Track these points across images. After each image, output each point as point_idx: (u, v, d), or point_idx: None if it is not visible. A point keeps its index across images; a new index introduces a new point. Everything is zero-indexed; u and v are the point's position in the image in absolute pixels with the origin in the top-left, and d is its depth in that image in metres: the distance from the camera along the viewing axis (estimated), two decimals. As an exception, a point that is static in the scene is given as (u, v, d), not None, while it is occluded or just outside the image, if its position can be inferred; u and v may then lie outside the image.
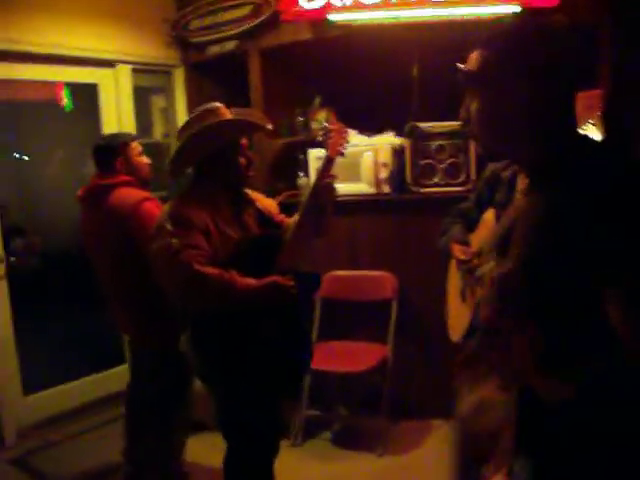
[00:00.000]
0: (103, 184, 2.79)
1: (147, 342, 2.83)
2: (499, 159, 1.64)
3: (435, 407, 3.79)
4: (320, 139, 2.52)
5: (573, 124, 1.24)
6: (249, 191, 2.52)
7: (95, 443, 3.76)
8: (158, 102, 4.85)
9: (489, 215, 2.36)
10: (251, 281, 2.22)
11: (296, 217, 2.46)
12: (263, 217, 2.48)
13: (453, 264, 2.64)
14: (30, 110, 4.40)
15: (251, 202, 2.48)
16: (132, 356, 3.03)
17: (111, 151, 2.83)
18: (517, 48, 1.20)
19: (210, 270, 2.15)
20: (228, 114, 2.37)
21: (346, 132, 2.52)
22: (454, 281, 2.66)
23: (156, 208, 2.70)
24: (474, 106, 1.26)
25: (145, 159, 2.90)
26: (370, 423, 3.79)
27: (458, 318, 2.53)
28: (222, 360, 2.29)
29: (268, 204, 2.61)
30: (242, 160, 2.36)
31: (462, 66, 1.28)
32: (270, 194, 4.05)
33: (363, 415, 3.91)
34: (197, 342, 2.34)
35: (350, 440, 3.78)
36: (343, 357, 3.66)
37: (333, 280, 3.94)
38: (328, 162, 2.46)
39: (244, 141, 2.39)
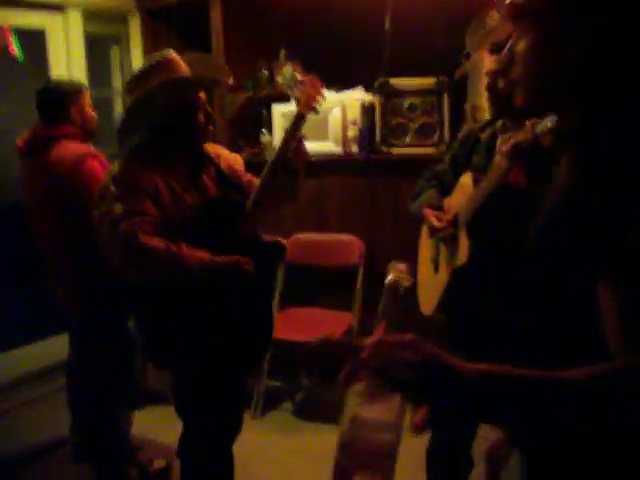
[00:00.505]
0: (46, 135, 2.58)
1: (81, 307, 2.64)
2: (541, 114, 1.46)
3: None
4: (290, 93, 2.27)
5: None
6: (211, 147, 2.28)
7: (44, 414, 3.54)
8: (114, 52, 4.54)
9: (466, 179, 2.18)
10: (202, 254, 2.01)
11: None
12: (224, 178, 2.25)
13: (425, 231, 2.45)
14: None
15: (211, 161, 2.24)
16: (68, 322, 2.82)
17: (60, 98, 2.61)
18: None
19: (156, 242, 1.95)
20: (183, 66, 2.11)
21: (320, 85, 2.27)
22: (425, 249, 2.48)
23: (100, 166, 2.53)
24: (522, 45, 1.04)
25: (93, 112, 2.68)
26: (333, 393, 3.65)
27: (430, 289, 2.36)
28: (169, 339, 2.10)
29: (233, 160, 2.38)
30: (200, 116, 2.13)
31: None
32: (231, 151, 3.86)
33: (326, 385, 3.77)
34: (140, 318, 2.16)
35: (312, 411, 3.64)
36: (306, 326, 3.49)
37: (298, 243, 3.75)
38: (299, 119, 2.21)
39: (202, 95, 2.15)
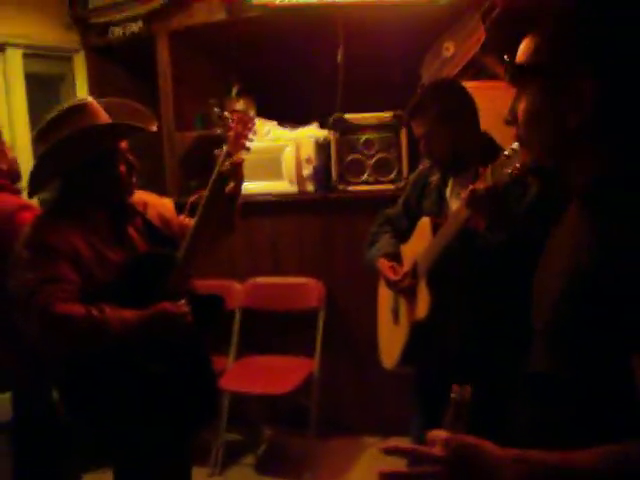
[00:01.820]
0: None
1: (23, 375, 2.43)
2: (549, 175, 1.39)
3: (367, 423, 3.54)
4: (219, 131, 2.08)
5: None
6: (137, 194, 2.08)
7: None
8: (58, 91, 4.36)
9: (424, 225, 2.07)
10: (128, 314, 1.83)
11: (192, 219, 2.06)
12: (152, 229, 2.07)
13: (383, 281, 2.31)
14: None
15: (137, 212, 2.06)
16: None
17: None
18: (582, 25, 0.96)
19: (74, 309, 1.77)
20: (102, 113, 1.94)
21: (251, 122, 2.04)
22: (384, 298, 2.34)
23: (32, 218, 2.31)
24: (521, 106, 1.04)
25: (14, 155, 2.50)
26: (298, 443, 3.46)
27: (390, 342, 2.22)
28: (98, 411, 1.91)
29: (162, 207, 2.19)
30: (121, 168, 1.94)
31: (510, 57, 1.05)
32: (181, 193, 3.70)
33: (290, 435, 3.58)
34: (64, 390, 1.97)
35: (276, 464, 3.44)
36: (266, 376, 3.31)
37: (254, 288, 3.59)
38: (227, 158, 1.98)
39: (123, 144, 1.97)
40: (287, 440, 3.63)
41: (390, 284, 2.12)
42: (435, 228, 1.97)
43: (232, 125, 1.99)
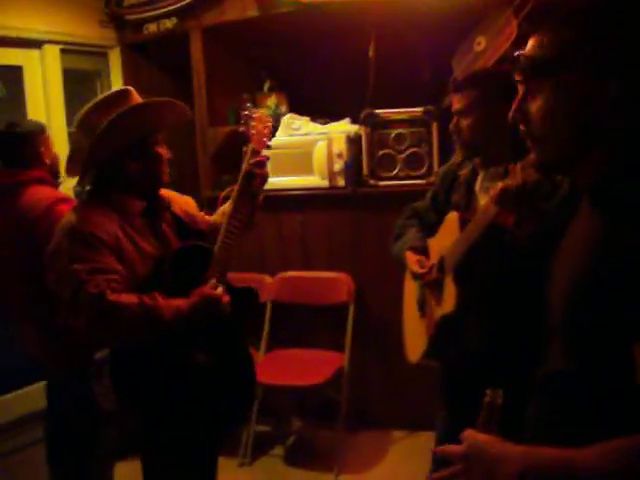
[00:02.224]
0: (16, 180, 2.43)
1: (55, 367, 2.48)
2: (561, 173, 1.40)
3: (396, 417, 3.57)
4: (242, 129, 2.14)
5: None
6: (162, 192, 2.12)
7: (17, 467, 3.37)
8: (94, 87, 4.44)
9: (452, 219, 2.06)
10: (180, 302, 1.84)
11: (221, 216, 2.14)
12: (181, 223, 2.11)
13: (409, 273, 2.32)
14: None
15: (167, 207, 2.09)
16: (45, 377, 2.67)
17: (28, 140, 2.46)
18: (604, 23, 0.95)
19: (128, 298, 1.76)
20: (140, 99, 1.99)
21: (269, 121, 2.12)
22: (410, 291, 2.35)
23: None
24: (538, 103, 1.02)
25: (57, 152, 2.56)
26: (326, 436, 3.49)
27: (415, 335, 2.23)
28: (148, 403, 1.92)
29: (185, 204, 2.23)
30: (160, 152, 1.98)
31: (522, 52, 1.03)
32: (214, 188, 3.74)
33: (318, 428, 3.62)
34: (116, 383, 1.93)
35: (304, 456, 3.48)
36: (296, 368, 3.34)
37: (284, 281, 3.62)
38: (254, 155, 2.05)
39: (160, 135, 2.00)
40: (316, 433, 3.66)
41: (416, 276, 2.13)
42: (463, 223, 1.97)
43: (254, 123, 2.06)
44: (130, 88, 1.98)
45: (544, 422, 1.09)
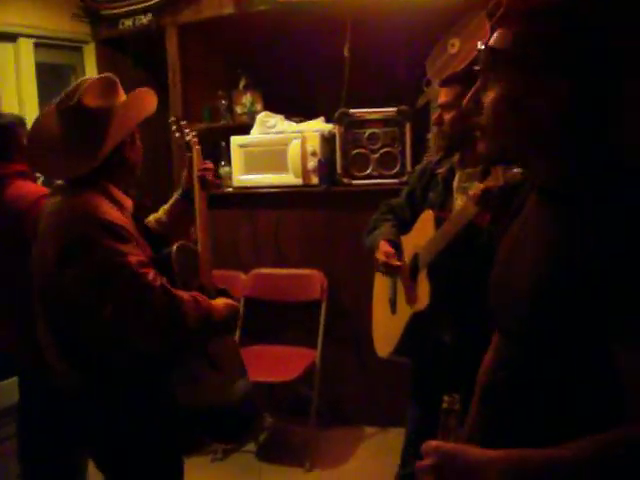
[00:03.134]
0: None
1: (24, 362, 2.48)
2: (507, 163, 1.43)
3: (368, 414, 3.61)
4: (177, 135, 2.20)
5: (615, 134, 1.00)
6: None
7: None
8: (68, 81, 4.41)
9: (427, 218, 2.10)
10: (219, 304, 1.78)
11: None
12: (144, 225, 2.03)
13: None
14: None
15: (145, 208, 2.09)
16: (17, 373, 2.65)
17: (9, 133, 2.41)
18: (560, 20, 0.94)
19: (180, 293, 1.65)
20: (122, 93, 1.83)
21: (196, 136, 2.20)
22: (381, 287, 2.38)
23: None
24: (491, 95, 1.01)
25: None
26: (298, 432, 3.52)
27: (387, 331, 2.26)
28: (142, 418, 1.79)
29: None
30: (140, 149, 1.88)
31: (486, 43, 1.02)
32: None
33: (291, 423, 3.64)
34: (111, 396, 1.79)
35: (276, 452, 3.50)
36: (268, 364, 3.36)
37: (258, 278, 3.64)
38: (200, 159, 2.15)
39: (137, 133, 1.88)
40: (288, 428, 3.69)
41: (382, 265, 2.16)
42: (438, 222, 2.00)
43: (188, 131, 2.16)
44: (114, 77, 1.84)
45: (497, 426, 1.08)
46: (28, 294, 2.29)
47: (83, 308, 1.68)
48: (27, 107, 3.79)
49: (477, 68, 1.04)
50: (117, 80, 1.82)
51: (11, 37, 3.77)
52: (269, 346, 3.57)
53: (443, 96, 2.09)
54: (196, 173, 2.07)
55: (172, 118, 2.18)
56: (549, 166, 1.01)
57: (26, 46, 3.83)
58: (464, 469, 0.88)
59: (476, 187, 1.77)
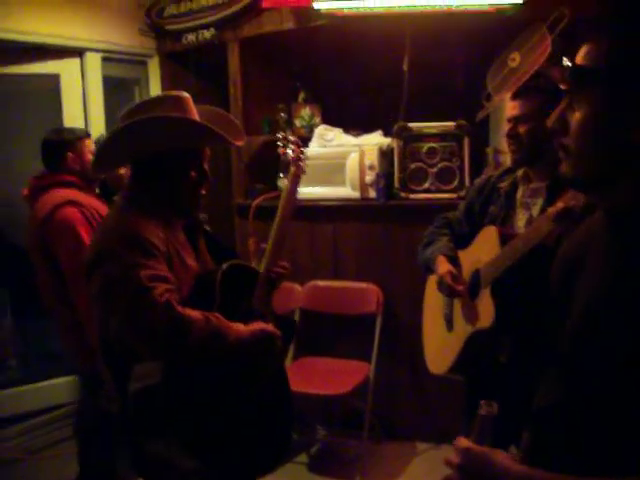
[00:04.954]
0: (39, 184, 2.58)
1: (76, 361, 2.58)
2: (588, 190, 1.40)
3: (421, 429, 3.56)
4: (281, 151, 2.17)
5: None
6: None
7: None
8: (133, 94, 4.53)
9: (491, 231, 2.07)
10: (241, 327, 1.70)
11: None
12: (217, 242, 2.05)
13: (432, 282, 2.32)
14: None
15: (202, 223, 2.03)
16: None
17: (57, 147, 2.60)
18: None
19: (192, 312, 1.62)
20: (194, 111, 1.82)
21: (302, 146, 2.13)
22: (435, 302, 2.35)
23: (79, 214, 2.44)
24: (578, 115, 0.95)
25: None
26: (350, 445, 3.51)
27: (442, 348, 2.24)
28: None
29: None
30: (192, 174, 1.79)
31: (571, 61, 0.96)
32: (247, 196, 3.80)
33: (343, 436, 3.64)
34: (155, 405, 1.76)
35: (328, 464, 3.50)
36: (323, 377, 3.37)
37: (314, 290, 3.65)
38: (295, 181, 2.04)
39: (206, 151, 1.83)
40: (340, 441, 3.67)
41: (446, 290, 2.14)
42: (504, 238, 1.97)
43: (292, 147, 2.07)
44: (185, 95, 1.83)
45: (539, 451, 1.06)
46: (60, 298, 2.42)
47: (100, 319, 1.75)
48: (93, 120, 3.91)
49: (563, 87, 0.99)
50: (181, 98, 1.82)
51: (78, 52, 3.91)
52: (323, 358, 3.58)
53: (516, 109, 2.05)
54: (288, 197, 2.01)
55: (281, 134, 2.17)
56: (632, 189, 0.94)
57: (93, 60, 3.96)
58: (484, 472, 0.91)
59: (556, 205, 1.73)
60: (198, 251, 1.92)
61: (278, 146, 3.66)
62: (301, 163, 2.05)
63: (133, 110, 1.76)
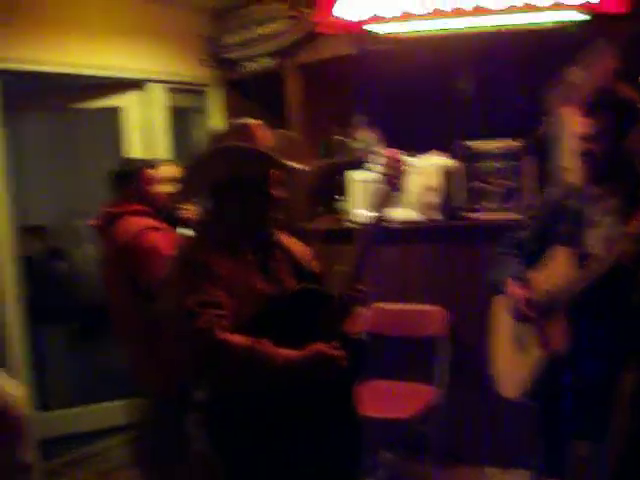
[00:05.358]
0: (110, 212, 2.65)
1: (146, 387, 2.61)
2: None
3: (488, 453, 3.48)
4: (379, 170, 1.96)
5: None
6: (278, 232, 2.00)
7: None
8: (194, 123, 4.64)
9: (562, 253, 2.04)
10: (291, 352, 1.71)
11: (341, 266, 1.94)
12: (298, 265, 1.99)
13: (501, 302, 2.29)
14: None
15: (279, 245, 1.98)
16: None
17: (123, 178, 2.69)
18: None
19: (237, 338, 1.66)
20: (261, 137, 1.85)
21: (399, 159, 1.97)
22: (504, 324, 2.31)
23: (162, 238, 2.48)
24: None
25: (163, 187, 2.68)
26: (415, 470, 3.47)
27: (514, 371, 2.19)
28: (245, 460, 1.78)
29: (301, 250, 2.08)
30: (260, 198, 1.85)
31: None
32: (308, 220, 3.83)
33: (408, 461, 3.59)
34: (212, 432, 1.84)
35: (395, 489, 3.46)
36: (387, 400, 3.34)
37: (379, 313, 3.63)
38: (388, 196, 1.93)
39: (277, 174, 1.86)
40: (405, 466, 3.63)
41: (519, 312, 2.10)
42: (578, 259, 1.95)
43: (384, 162, 1.97)
44: (250, 123, 1.87)
45: None
46: (140, 320, 2.47)
47: None
48: (158, 150, 4.01)
49: None
50: (245, 126, 1.87)
51: (137, 83, 4.03)
52: (388, 381, 3.55)
53: (590, 127, 2.00)
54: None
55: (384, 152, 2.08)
56: None
57: (156, 91, 4.07)
58: None
59: (635, 224, 1.70)
60: (271, 273, 1.90)
61: (338, 169, 3.71)
62: (396, 181, 1.93)
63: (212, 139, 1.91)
